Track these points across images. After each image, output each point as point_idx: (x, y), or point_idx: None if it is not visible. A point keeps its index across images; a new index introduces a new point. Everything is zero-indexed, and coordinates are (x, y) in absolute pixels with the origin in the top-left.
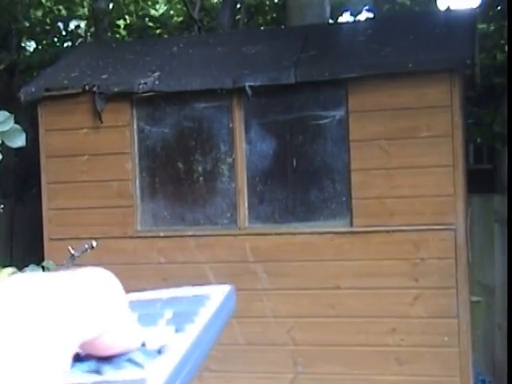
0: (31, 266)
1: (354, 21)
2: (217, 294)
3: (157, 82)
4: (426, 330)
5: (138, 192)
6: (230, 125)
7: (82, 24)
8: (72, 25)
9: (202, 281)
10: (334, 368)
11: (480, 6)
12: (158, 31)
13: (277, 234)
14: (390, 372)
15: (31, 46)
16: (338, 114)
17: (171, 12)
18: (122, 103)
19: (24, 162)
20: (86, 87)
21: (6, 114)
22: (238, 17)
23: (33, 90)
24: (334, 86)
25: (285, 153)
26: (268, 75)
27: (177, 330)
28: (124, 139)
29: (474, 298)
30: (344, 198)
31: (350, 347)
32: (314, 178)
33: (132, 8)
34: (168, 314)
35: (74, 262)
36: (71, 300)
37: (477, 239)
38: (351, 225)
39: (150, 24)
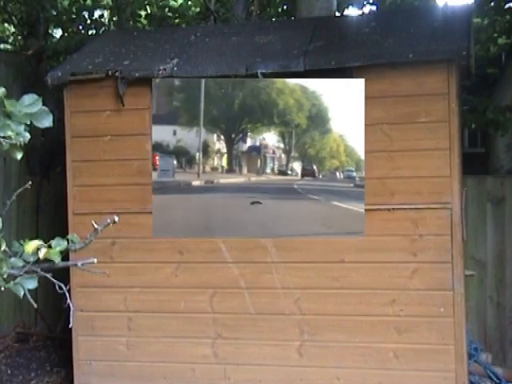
0: (56, 239)
1: (359, 14)
2: None
3: (175, 69)
4: (424, 301)
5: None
6: None
7: (106, 13)
8: (96, 14)
9: (216, 254)
10: (337, 336)
11: (475, 1)
12: (176, 21)
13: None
14: (389, 340)
15: (58, 33)
16: None
17: (189, 3)
18: (143, 87)
19: (50, 142)
20: (109, 72)
21: (35, 96)
22: (251, 8)
23: (59, 74)
24: (340, 75)
25: None
26: (279, 63)
27: None
28: (144, 121)
29: (468, 272)
30: None
31: (352, 317)
32: None
33: None
34: None
35: (96, 235)
36: None
37: (471, 217)
38: None
39: (169, 14)
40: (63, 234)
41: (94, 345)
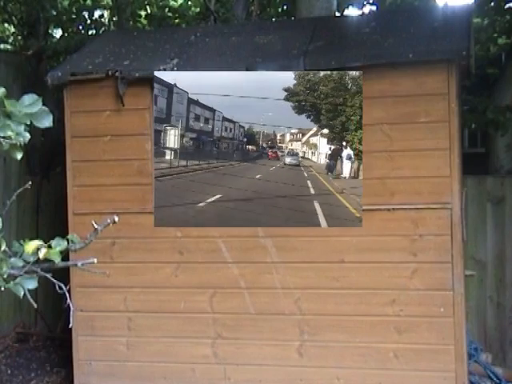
0: (56, 239)
1: (359, 14)
2: None
3: (175, 69)
4: (424, 301)
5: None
6: None
7: (106, 13)
8: (96, 14)
9: (216, 254)
10: (337, 336)
11: (475, 1)
12: (176, 21)
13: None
14: (389, 340)
15: (58, 33)
16: None
17: (189, 3)
18: (143, 87)
19: (50, 142)
20: (109, 72)
21: (35, 96)
22: (251, 8)
23: (59, 74)
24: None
25: None
26: (279, 63)
27: None
28: (144, 121)
29: (468, 272)
30: None
31: (352, 317)
32: None
33: None
34: None
35: (96, 235)
36: None
37: (471, 217)
38: None
39: (169, 14)
40: (63, 233)
41: (94, 345)
